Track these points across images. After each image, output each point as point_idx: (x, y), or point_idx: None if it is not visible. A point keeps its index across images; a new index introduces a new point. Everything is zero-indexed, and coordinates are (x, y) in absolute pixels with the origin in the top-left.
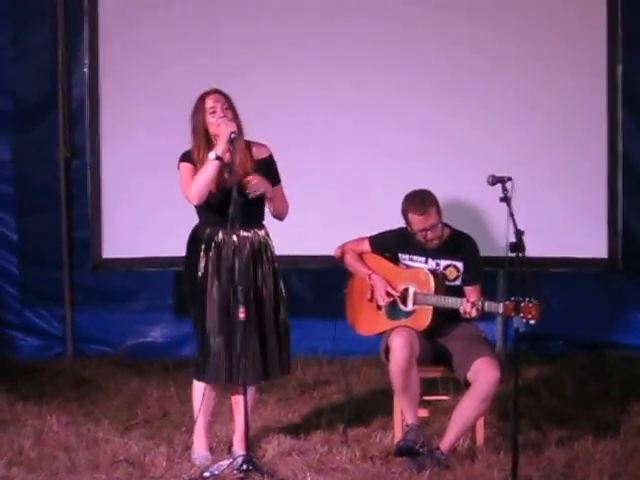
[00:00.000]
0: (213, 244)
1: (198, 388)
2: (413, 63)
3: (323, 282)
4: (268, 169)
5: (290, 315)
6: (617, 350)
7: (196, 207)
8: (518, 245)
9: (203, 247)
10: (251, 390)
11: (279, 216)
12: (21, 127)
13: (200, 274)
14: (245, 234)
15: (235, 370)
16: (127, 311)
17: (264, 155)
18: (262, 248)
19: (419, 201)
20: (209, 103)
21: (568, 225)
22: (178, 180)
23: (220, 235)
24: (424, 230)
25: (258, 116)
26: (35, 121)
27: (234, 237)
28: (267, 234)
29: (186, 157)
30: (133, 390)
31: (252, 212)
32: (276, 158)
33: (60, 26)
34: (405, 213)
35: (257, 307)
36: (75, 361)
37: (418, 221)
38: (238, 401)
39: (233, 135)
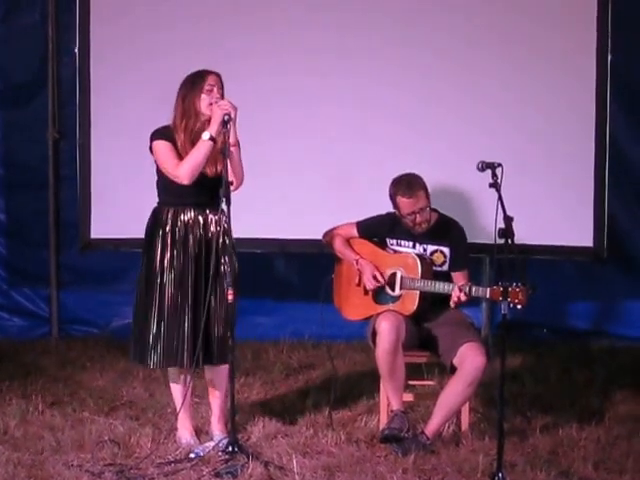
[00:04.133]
0: (178, 224)
1: (174, 376)
2: (400, 53)
3: (310, 266)
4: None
5: (277, 299)
6: (601, 339)
7: (162, 186)
8: (507, 231)
9: (168, 228)
10: (224, 372)
11: (238, 176)
12: (10, 106)
13: (158, 257)
14: (211, 216)
15: (202, 353)
16: (113, 292)
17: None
18: (223, 228)
19: (407, 184)
20: (209, 81)
21: (554, 214)
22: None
23: (186, 214)
24: (412, 213)
25: (249, 105)
26: (24, 101)
27: (200, 218)
28: (228, 217)
29: (160, 134)
30: (118, 371)
31: (214, 191)
32: (265, 145)
33: (51, 6)
34: (393, 196)
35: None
36: (61, 341)
37: (407, 204)
38: (213, 385)
39: (227, 117)
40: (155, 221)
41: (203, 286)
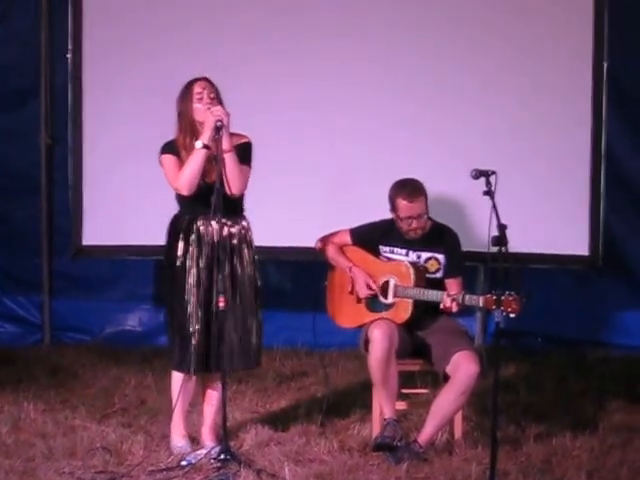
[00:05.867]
0: (194, 232)
1: (177, 379)
2: (398, 58)
3: (303, 274)
4: (243, 149)
5: (269, 307)
6: (596, 348)
7: (177, 196)
8: (501, 239)
9: (182, 235)
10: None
11: (230, 183)
12: (2, 111)
13: (179, 262)
14: (227, 223)
15: (214, 359)
16: (106, 299)
17: (243, 140)
18: (242, 238)
19: (410, 188)
20: (196, 89)
21: (550, 222)
22: (160, 170)
23: (200, 223)
24: (410, 218)
25: (244, 109)
26: (17, 106)
27: (215, 225)
28: (248, 225)
29: (167, 148)
30: (111, 378)
31: (233, 202)
32: (260, 150)
33: (44, 11)
34: (394, 199)
35: (235, 296)
36: (53, 349)
37: (407, 208)
38: (209, 392)
39: (219, 123)
40: (173, 229)
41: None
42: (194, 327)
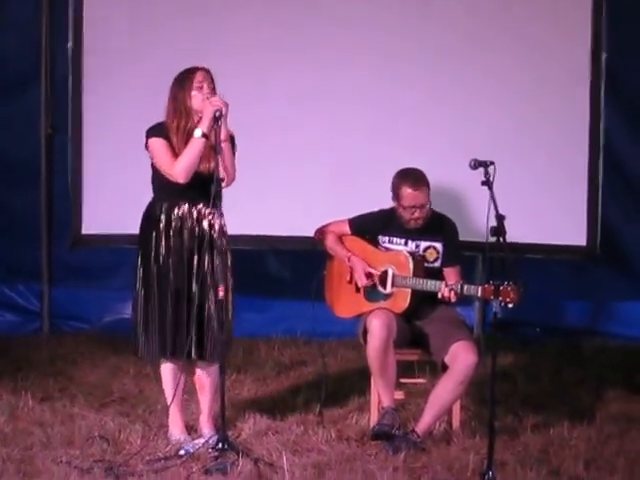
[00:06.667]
0: (172, 218)
1: (167, 372)
2: (396, 48)
3: (302, 263)
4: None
5: (268, 296)
6: (593, 337)
7: (156, 181)
8: (499, 229)
9: (161, 222)
10: (214, 370)
11: (228, 173)
12: (2, 100)
13: (155, 250)
14: (207, 213)
15: (195, 348)
16: (105, 288)
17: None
18: (219, 229)
19: (415, 177)
20: (198, 77)
21: (548, 212)
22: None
23: (180, 209)
24: (414, 207)
25: (243, 99)
26: (17, 95)
27: (194, 213)
28: (222, 215)
29: (156, 132)
30: (109, 367)
31: (210, 190)
32: (260, 140)
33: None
34: (397, 188)
35: (202, 286)
36: (52, 337)
37: (411, 197)
38: (200, 382)
39: (218, 113)
40: (149, 216)
41: (195, 281)
42: (163, 314)
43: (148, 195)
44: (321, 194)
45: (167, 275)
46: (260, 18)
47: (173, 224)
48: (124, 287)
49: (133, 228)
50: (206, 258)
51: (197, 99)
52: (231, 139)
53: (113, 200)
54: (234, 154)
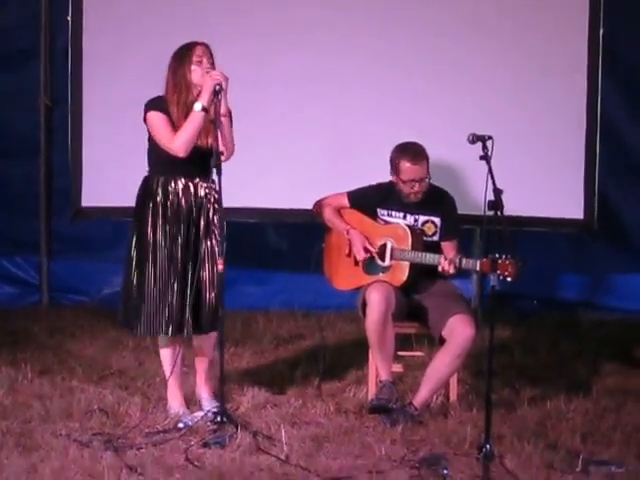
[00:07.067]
0: (169, 192)
1: (164, 344)
2: (392, 29)
3: (300, 236)
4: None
5: (267, 268)
6: (590, 311)
7: (152, 155)
8: (496, 203)
9: (159, 197)
10: (211, 337)
11: (227, 147)
12: (1, 72)
13: (152, 223)
14: (206, 186)
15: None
16: (104, 260)
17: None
18: (215, 202)
19: (414, 151)
20: (197, 52)
21: (545, 186)
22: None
23: (178, 184)
24: (413, 181)
25: (243, 79)
26: (16, 67)
27: (191, 187)
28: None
29: (154, 105)
30: (108, 340)
31: (207, 164)
32: (257, 116)
33: None
34: (397, 161)
35: (198, 259)
36: (51, 310)
37: (410, 170)
38: (198, 349)
39: (218, 87)
40: (146, 190)
41: (192, 255)
42: (161, 289)
43: (147, 167)
44: (320, 168)
45: (163, 249)
46: (256, 3)
47: (170, 198)
48: (122, 260)
49: (133, 201)
50: (202, 231)
51: (197, 73)
52: (230, 113)
53: (113, 173)
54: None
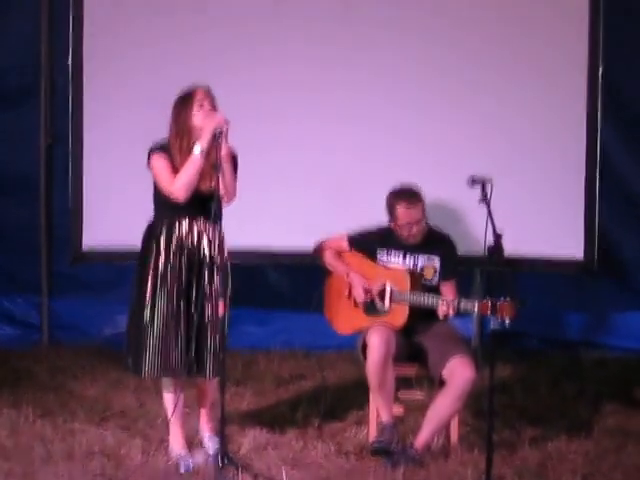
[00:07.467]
0: (174, 236)
1: (167, 386)
2: (394, 67)
3: (301, 277)
4: (231, 159)
5: (267, 309)
6: (591, 350)
7: (157, 199)
8: (496, 248)
9: (162, 239)
10: (214, 381)
11: (228, 192)
12: (2, 111)
13: (161, 265)
14: (207, 229)
15: (180, 362)
16: (104, 301)
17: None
18: (219, 246)
19: (408, 195)
20: (198, 96)
21: (545, 226)
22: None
23: (181, 228)
24: (409, 224)
25: (244, 117)
26: (17, 106)
27: (195, 230)
28: (223, 234)
29: (158, 150)
30: (110, 381)
31: (210, 207)
32: (258, 156)
33: (44, 13)
34: (392, 206)
35: (201, 303)
36: (51, 350)
37: (405, 214)
38: (200, 392)
39: (218, 130)
40: (150, 233)
41: (194, 298)
42: (175, 332)
43: (149, 210)
44: (320, 209)
45: (166, 292)
46: (257, 36)
47: (174, 242)
48: (124, 300)
49: (134, 243)
50: (206, 275)
51: (198, 117)
52: (233, 158)
53: (114, 215)
54: (235, 173)
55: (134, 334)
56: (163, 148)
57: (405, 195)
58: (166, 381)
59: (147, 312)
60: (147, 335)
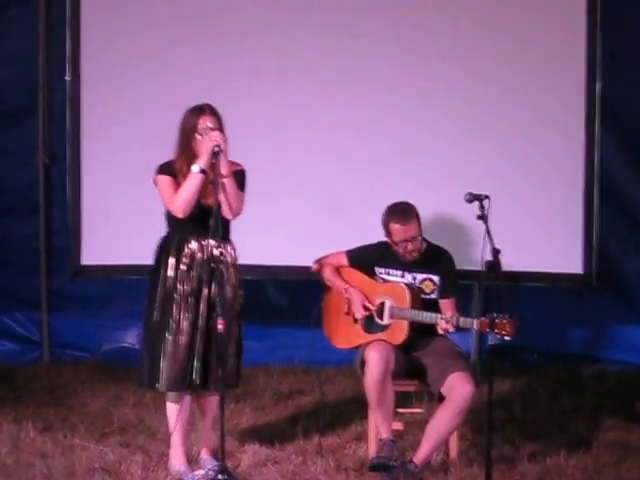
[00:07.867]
0: (184, 251)
1: (173, 401)
2: (394, 82)
3: (300, 292)
4: (238, 176)
5: (267, 324)
6: (591, 364)
7: (168, 216)
8: (494, 264)
9: (172, 254)
10: (215, 398)
11: (231, 207)
12: (0, 130)
13: (169, 281)
14: (217, 245)
15: (200, 379)
16: (104, 316)
17: (238, 168)
18: (230, 261)
19: (402, 212)
20: (202, 124)
21: (544, 240)
22: (157, 191)
23: (191, 243)
24: (405, 241)
25: (242, 130)
26: (15, 125)
27: (206, 246)
28: (233, 248)
29: (164, 169)
30: (109, 396)
31: (223, 225)
32: (256, 172)
33: (41, 32)
34: (387, 224)
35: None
36: (51, 366)
37: (400, 231)
38: (202, 408)
39: (217, 148)
40: (162, 248)
41: (206, 313)
42: (179, 345)
43: (148, 225)
44: (320, 225)
45: (178, 307)
46: (257, 50)
47: (184, 257)
48: (123, 316)
49: (133, 258)
50: (216, 290)
51: (201, 143)
52: (241, 173)
53: (112, 231)
54: (242, 188)
55: (148, 347)
56: (168, 168)
57: (399, 212)
58: (171, 395)
59: (159, 326)
60: (161, 349)
